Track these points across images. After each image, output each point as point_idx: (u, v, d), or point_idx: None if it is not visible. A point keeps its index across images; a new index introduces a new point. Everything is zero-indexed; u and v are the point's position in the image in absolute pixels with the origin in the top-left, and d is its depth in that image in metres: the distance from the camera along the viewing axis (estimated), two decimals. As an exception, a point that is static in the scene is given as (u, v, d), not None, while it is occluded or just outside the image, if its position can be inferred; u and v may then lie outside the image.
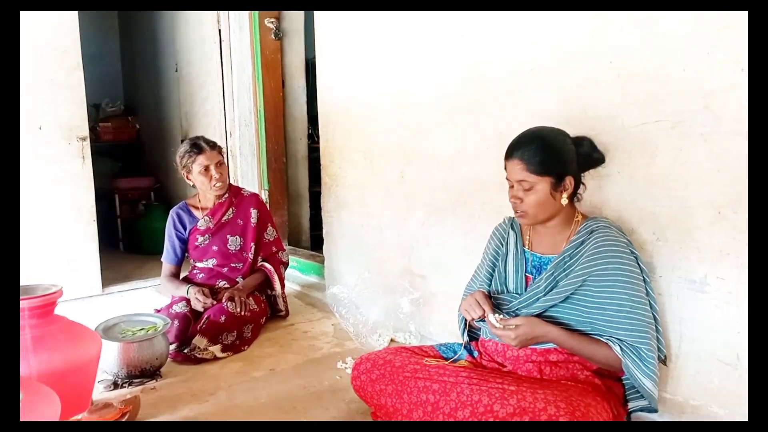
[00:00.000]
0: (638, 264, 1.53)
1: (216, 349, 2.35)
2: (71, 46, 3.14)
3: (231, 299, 2.51)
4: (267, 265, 2.82)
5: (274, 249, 2.89)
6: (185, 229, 2.77)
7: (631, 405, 1.55)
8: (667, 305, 1.63)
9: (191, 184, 2.75)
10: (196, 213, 2.79)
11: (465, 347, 1.78)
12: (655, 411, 1.54)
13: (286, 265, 2.96)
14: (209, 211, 2.77)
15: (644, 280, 1.54)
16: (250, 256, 2.79)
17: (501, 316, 1.57)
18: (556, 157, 1.54)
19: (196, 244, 2.77)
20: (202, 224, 2.75)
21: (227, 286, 2.72)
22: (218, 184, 2.68)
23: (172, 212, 2.80)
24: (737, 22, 1.40)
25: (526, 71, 1.94)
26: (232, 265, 2.78)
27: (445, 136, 2.32)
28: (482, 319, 1.61)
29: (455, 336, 2.09)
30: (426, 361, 1.67)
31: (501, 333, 1.52)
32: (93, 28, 5.15)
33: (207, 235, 2.76)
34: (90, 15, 4.79)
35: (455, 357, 1.73)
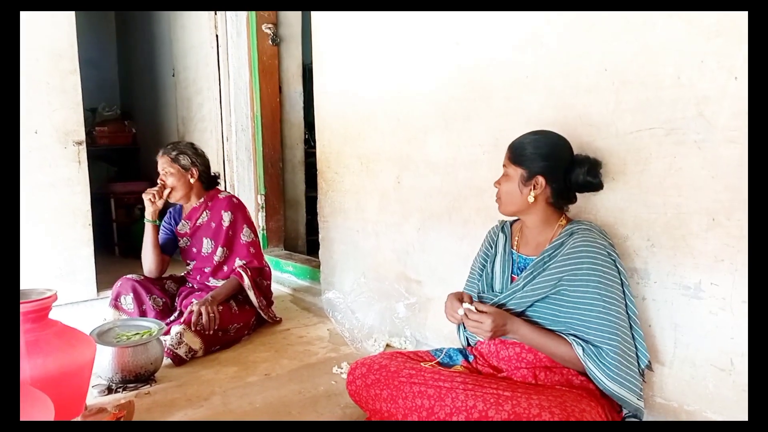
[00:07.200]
0: (616, 266, 1.54)
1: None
2: (68, 50, 3.15)
3: (199, 315, 2.39)
4: (240, 270, 2.68)
5: (252, 250, 2.75)
6: (175, 224, 2.85)
7: (625, 412, 1.56)
8: (661, 311, 1.63)
9: None
10: (184, 214, 2.85)
11: (461, 352, 1.78)
12: (638, 419, 1.54)
13: (266, 275, 2.80)
14: (186, 215, 2.82)
15: (622, 283, 1.54)
16: (216, 259, 2.74)
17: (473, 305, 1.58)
18: (533, 153, 1.60)
19: (180, 245, 2.84)
20: (181, 228, 2.82)
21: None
22: (165, 191, 2.69)
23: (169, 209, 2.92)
24: (730, 30, 1.41)
25: (522, 78, 1.96)
26: (205, 270, 2.78)
27: (441, 142, 2.33)
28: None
29: (451, 341, 2.10)
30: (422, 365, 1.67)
31: (475, 317, 1.53)
32: (90, 33, 5.15)
33: (186, 238, 2.81)
34: (87, 19, 4.79)
35: (453, 367, 1.73)
